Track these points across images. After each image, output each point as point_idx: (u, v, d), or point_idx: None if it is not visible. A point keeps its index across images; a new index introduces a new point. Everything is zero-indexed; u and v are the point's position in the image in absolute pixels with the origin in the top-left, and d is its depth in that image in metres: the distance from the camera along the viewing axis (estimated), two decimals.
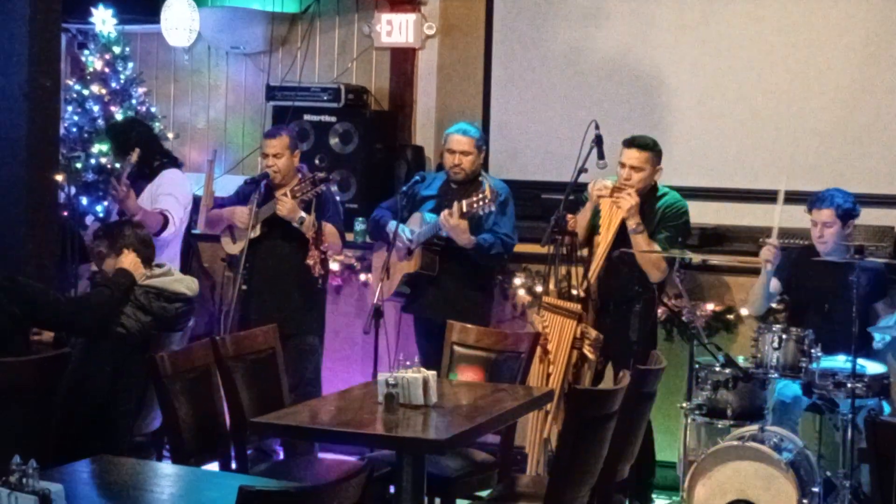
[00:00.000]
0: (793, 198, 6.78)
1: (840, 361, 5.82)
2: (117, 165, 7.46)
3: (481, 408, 4.82)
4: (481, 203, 6.20)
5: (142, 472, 4.17)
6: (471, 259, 6.47)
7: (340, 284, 7.50)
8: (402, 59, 8.19)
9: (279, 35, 8.48)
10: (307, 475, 5.24)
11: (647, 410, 5.10)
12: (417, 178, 6.72)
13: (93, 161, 7.93)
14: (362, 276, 7.47)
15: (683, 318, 6.23)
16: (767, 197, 7.05)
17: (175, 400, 4.76)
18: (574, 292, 6.23)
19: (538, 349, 5.84)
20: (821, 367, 5.73)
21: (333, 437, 4.89)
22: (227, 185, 7.73)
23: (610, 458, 4.61)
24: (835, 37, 7.05)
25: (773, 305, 6.52)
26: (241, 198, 6.83)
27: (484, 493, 5.26)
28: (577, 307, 6.08)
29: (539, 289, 6.86)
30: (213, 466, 4.94)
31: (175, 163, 7.26)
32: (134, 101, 8.18)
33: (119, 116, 7.94)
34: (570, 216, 6.31)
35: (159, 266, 5.70)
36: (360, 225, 7.48)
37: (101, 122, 8.00)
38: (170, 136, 8.39)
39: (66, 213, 7.02)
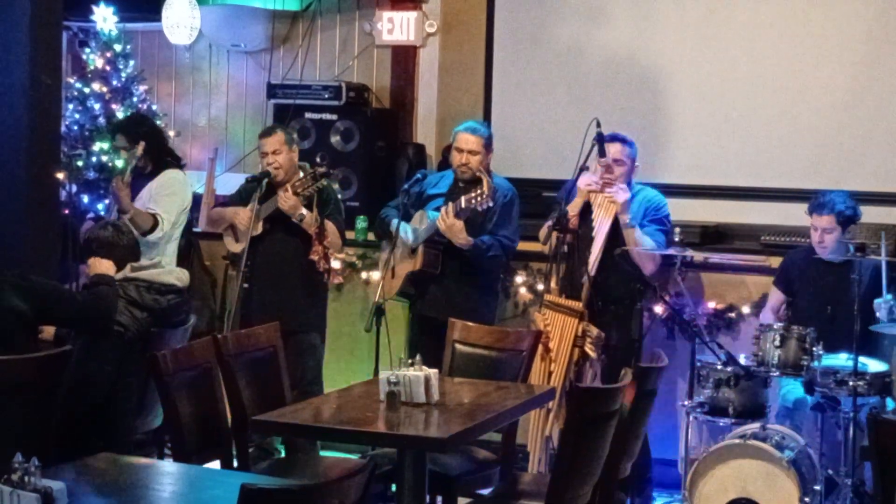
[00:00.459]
0: (793, 196, 6.81)
1: (842, 359, 5.82)
2: (118, 163, 7.46)
3: (483, 406, 4.82)
4: (479, 199, 6.18)
5: (143, 470, 4.17)
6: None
7: (342, 282, 7.50)
8: (404, 57, 8.18)
9: (280, 33, 8.48)
10: (309, 473, 5.23)
11: (649, 408, 5.10)
12: (419, 175, 6.71)
13: (94, 159, 7.93)
14: (364, 274, 7.47)
15: (685, 317, 6.22)
16: (769, 195, 7.08)
17: (176, 398, 4.75)
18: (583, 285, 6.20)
19: (540, 347, 5.83)
20: (822, 365, 5.73)
21: (335, 435, 4.89)
22: (229, 183, 7.73)
23: (611, 457, 4.61)
24: (836, 35, 7.05)
25: None
26: (242, 196, 6.82)
27: (485, 492, 5.26)
28: (578, 305, 6.08)
29: (540, 287, 6.86)
30: (215, 464, 4.94)
31: (178, 163, 7.26)
32: (135, 99, 8.19)
33: (120, 115, 7.93)
34: (571, 214, 6.29)
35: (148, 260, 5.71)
36: (361, 223, 7.48)
37: (101, 120, 8.00)
38: (171, 134, 8.38)
39: (66, 211, 7.02)
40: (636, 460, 5.25)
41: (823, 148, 7.06)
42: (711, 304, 6.76)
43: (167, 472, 4.19)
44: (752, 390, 5.92)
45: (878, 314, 5.89)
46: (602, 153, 6.23)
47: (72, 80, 8.18)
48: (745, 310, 6.73)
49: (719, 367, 5.93)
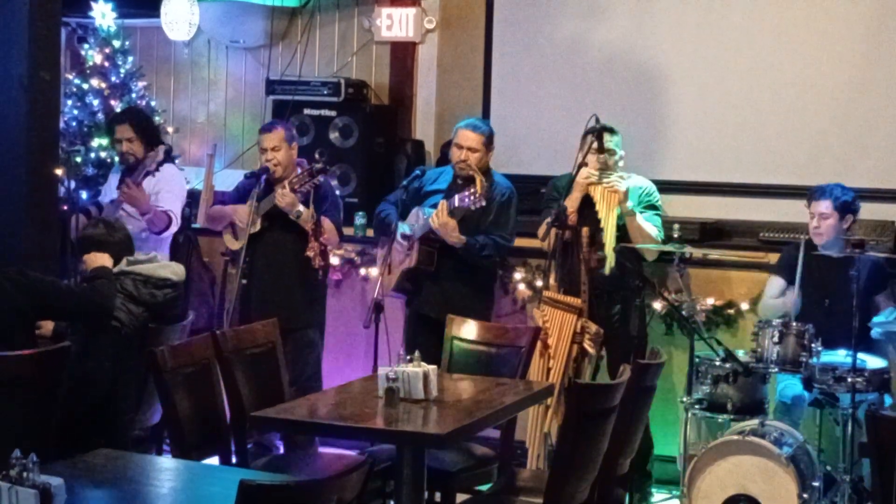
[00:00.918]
0: (792, 192, 6.80)
1: (840, 356, 5.82)
2: (115, 159, 7.46)
3: (482, 402, 4.82)
4: (472, 198, 6.17)
5: (142, 466, 4.17)
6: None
7: (341, 279, 7.50)
8: (403, 54, 8.18)
9: (279, 29, 8.47)
10: (307, 469, 5.24)
11: (648, 405, 5.10)
12: (417, 171, 6.71)
13: (92, 155, 7.93)
14: (362, 271, 7.47)
15: (683, 313, 6.23)
16: (768, 191, 7.08)
17: (175, 394, 4.75)
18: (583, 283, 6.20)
19: (538, 343, 5.83)
20: (821, 361, 5.73)
21: (334, 432, 4.88)
22: (227, 179, 7.73)
23: (610, 453, 4.61)
24: (836, 31, 7.04)
25: None
26: (240, 192, 6.83)
27: (484, 488, 5.27)
28: (577, 301, 6.08)
29: (539, 283, 6.86)
30: (214, 460, 4.94)
31: (171, 158, 7.27)
32: (134, 95, 8.18)
33: (119, 111, 7.92)
34: (570, 210, 6.29)
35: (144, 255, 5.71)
36: (360, 219, 7.48)
37: (100, 116, 7.99)
38: (170, 130, 8.39)
39: (65, 207, 7.02)
40: (638, 456, 5.27)
41: (822, 144, 7.06)
42: (710, 301, 6.76)
43: (166, 468, 4.19)
44: (750, 387, 5.92)
45: (872, 332, 5.92)
46: (601, 149, 6.23)
47: (70, 76, 8.18)
48: (744, 306, 6.73)
49: (718, 363, 5.93)
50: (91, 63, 8.17)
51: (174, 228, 6.96)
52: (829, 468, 5.89)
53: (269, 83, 8.17)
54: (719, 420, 5.97)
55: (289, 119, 7.65)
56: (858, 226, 6.38)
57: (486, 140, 6.55)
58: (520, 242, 6.82)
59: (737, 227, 7.14)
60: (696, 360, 6.03)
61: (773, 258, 6.52)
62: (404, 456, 4.53)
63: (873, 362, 5.82)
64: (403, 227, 6.50)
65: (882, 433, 4.07)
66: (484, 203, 6.23)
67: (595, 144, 6.19)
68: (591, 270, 6.19)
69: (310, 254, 6.36)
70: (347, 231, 7.20)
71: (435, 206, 6.40)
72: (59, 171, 6.56)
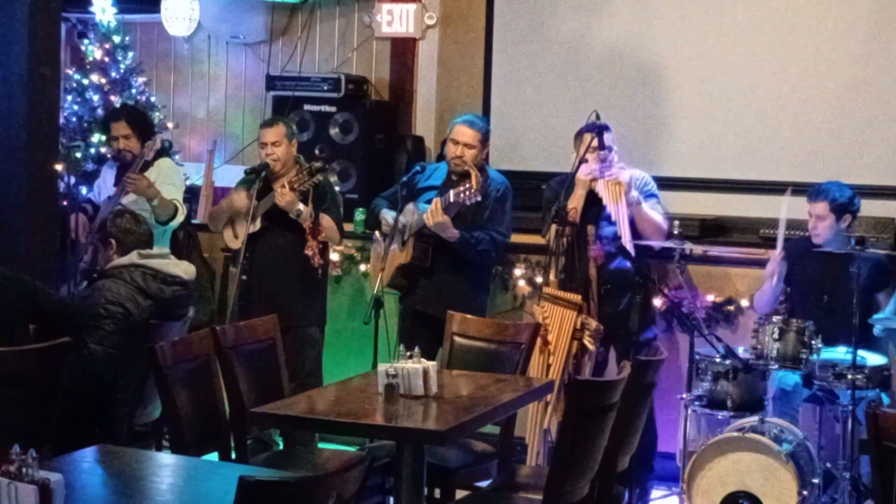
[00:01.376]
0: (794, 189, 6.78)
1: (840, 353, 5.82)
2: (103, 149, 7.45)
3: (481, 398, 4.82)
4: (467, 194, 6.15)
5: (141, 462, 4.17)
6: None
7: (340, 275, 7.50)
8: (403, 49, 8.17)
9: (279, 25, 8.47)
10: (307, 465, 5.24)
11: (648, 401, 5.10)
12: (418, 168, 6.70)
13: (92, 150, 7.93)
14: (362, 267, 7.47)
15: (683, 309, 6.22)
16: (768, 188, 7.06)
17: (175, 390, 4.75)
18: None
19: (538, 340, 5.83)
20: (821, 358, 5.73)
21: (333, 428, 4.88)
22: (227, 174, 7.74)
23: (610, 449, 4.61)
24: (837, 28, 7.03)
25: None
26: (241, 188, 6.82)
27: (484, 484, 5.26)
28: (577, 298, 6.07)
29: (539, 279, 6.86)
30: (213, 456, 4.94)
31: (164, 150, 7.28)
32: (134, 91, 8.18)
33: (113, 108, 7.91)
34: (570, 206, 6.29)
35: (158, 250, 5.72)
36: (360, 215, 7.48)
37: (100, 111, 7.99)
38: (170, 125, 8.38)
39: (65, 203, 7.02)
40: (642, 454, 5.27)
41: (823, 141, 7.06)
42: (710, 297, 6.75)
43: (165, 464, 4.19)
44: (750, 383, 5.92)
45: (874, 329, 5.92)
46: (601, 146, 6.23)
47: (70, 72, 8.18)
48: (744, 303, 6.72)
49: (718, 360, 5.93)
50: (91, 58, 8.16)
51: (180, 218, 6.95)
52: (828, 465, 5.89)
53: (269, 79, 8.16)
54: (719, 417, 5.96)
55: (289, 115, 7.65)
56: (859, 223, 6.38)
57: (483, 137, 6.54)
58: (520, 239, 6.81)
59: (737, 223, 7.13)
60: (696, 356, 6.03)
61: (773, 254, 6.51)
62: (404, 452, 4.53)
63: (873, 359, 5.82)
64: (387, 214, 6.49)
65: (882, 430, 4.06)
66: (479, 198, 6.21)
67: (595, 142, 6.19)
68: (599, 268, 6.19)
69: (308, 252, 6.36)
70: (347, 227, 7.19)
71: (430, 202, 6.38)
72: (59, 167, 6.56)
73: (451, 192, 6.20)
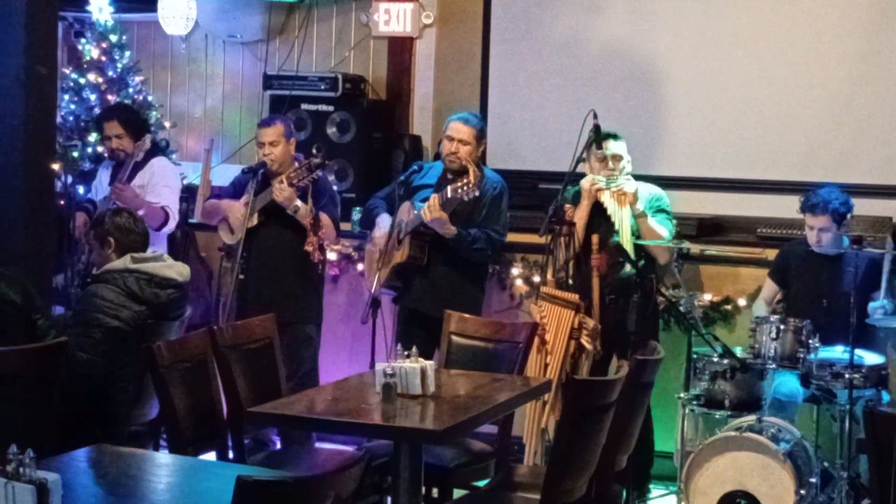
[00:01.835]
0: (790, 188, 6.80)
1: (838, 352, 5.82)
2: (100, 149, 7.44)
3: (479, 398, 4.82)
4: (465, 189, 6.15)
5: (139, 462, 4.17)
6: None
7: (338, 274, 7.50)
8: (400, 49, 8.17)
9: (276, 24, 8.46)
10: (304, 465, 5.23)
11: (645, 401, 5.10)
12: (415, 167, 6.70)
13: (89, 150, 7.92)
14: (359, 266, 7.46)
15: (681, 309, 6.22)
16: (765, 187, 7.07)
17: (172, 389, 4.75)
18: (571, 283, 6.21)
19: (536, 339, 5.83)
20: (818, 357, 5.74)
21: (331, 427, 4.88)
22: (224, 174, 7.72)
23: (607, 449, 4.61)
24: (833, 27, 7.04)
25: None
26: (237, 187, 6.82)
27: (481, 483, 5.26)
28: (574, 297, 6.07)
29: (537, 279, 6.86)
30: (210, 456, 4.94)
31: (159, 149, 7.26)
32: (131, 90, 8.17)
33: (106, 107, 7.89)
34: (567, 206, 6.30)
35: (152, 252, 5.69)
36: (357, 214, 7.47)
37: (97, 110, 7.98)
38: (167, 125, 8.38)
39: (62, 202, 7.01)
40: (639, 453, 5.26)
41: (820, 140, 7.06)
42: (708, 297, 6.75)
43: (163, 464, 4.19)
44: (748, 383, 5.92)
45: (873, 316, 5.91)
46: (599, 145, 6.23)
47: (67, 71, 8.17)
48: (742, 302, 6.73)
49: (715, 359, 5.93)
50: (88, 58, 8.16)
51: (172, 224, 6.94)
52: (826, 464, 5.89)
53: (266, 78, 8.16)
54: (717, 416, 5.97)
55: (286, 114, 7.64)
56: (856, 222, 6.38)
57: (478, 133, 6.53)
58: (517, 238, 6.81)
59: (734, 222, 7.13)
60: (694, 356, 6.03)
61: (770, 254, 6.52)
62: (401, 452, 4.53)
63: (871, 358, 5.82)
64: (383, 221, 6.49)
65: (880, 429, 4.07)
66: (477, 193, 6.19)
67: (592, 137, 6.21)
68: (603, 277, 6.19)
69: (308, 248, 6.35)
70: (345, 226, 7.19)
71: (425, 200, 6.37)
72: (55, 166, 6.55)
73: (449, 188, 6.20)
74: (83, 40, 8.24)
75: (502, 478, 5.17)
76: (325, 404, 4.83)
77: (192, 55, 8.81)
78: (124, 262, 5.45)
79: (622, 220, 6.21)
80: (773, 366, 5.86)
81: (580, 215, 6.33)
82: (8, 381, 4.45)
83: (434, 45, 8.09)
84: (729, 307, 6.76)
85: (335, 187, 7.21)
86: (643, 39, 7.46)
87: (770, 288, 6.40)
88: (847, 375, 5.61)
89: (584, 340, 6.03)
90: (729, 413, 5.90)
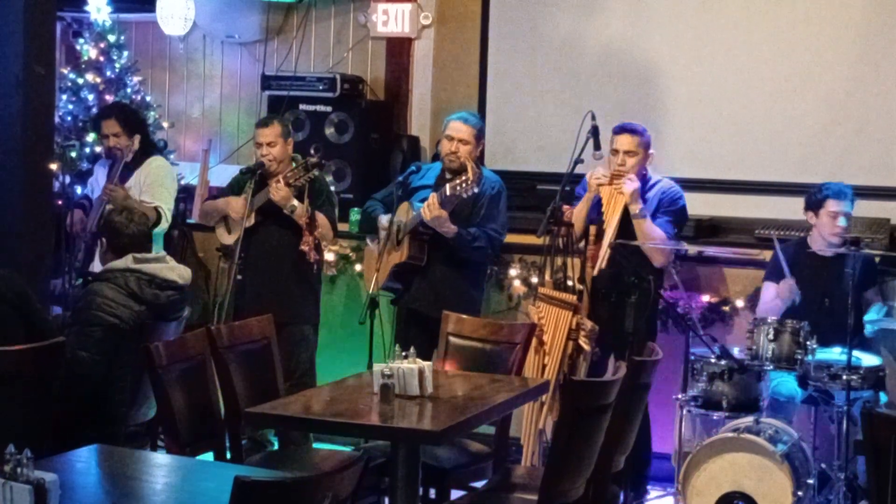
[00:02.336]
0: (788, 189, 6.81)
1: (835, 353, 5.82)
2: (98, 149, 7.44)
3: (477, 399, 4.81)
4: (464, 186, 6.14)
5: (136, 462, 4.17)
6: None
7: (335, 274, 7.50)
8: (398, 49, 8.17)
9: (275, 24, 8.47)
10: (302, 465, 5.23)
11: (643, 402, 5.10)
12: (413, 168, 6.69)
13: (87, 150, 7.92)
14: (357, 267, 7.46)
15: (679, 310, 6.22)
16: (763, 189, 7.08)
17: (170, 389, 4.74)
18: (570, 283, 6.21)
19: (534, 340, 5.83)
20: (816, 359, 5.74)
21: (328, 428, 4.88)
22: (222, 174, 7.72)
23: (605, 450, 4.61)
24: (831, 29, 7.04)
25: None
26: (234, 188, 6.82)
27: (479, 484, 5.26)
28: (572, 298, 6.07)
29: (535, 280, 6.86)
30: (208, 456, 4.93)
31: (157, 149, 7.26)
32: (129, 90, 8.17)
33: (103, 106, 7.89)
34: (566, 207, 6.30)
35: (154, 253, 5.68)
36: (355, 215, 7.47)
37: (95, 110, 7.98)
38: (165, 125, 8.38)
39: (60, 202, 7.01)
40: (636, 454, 5.26)
41: (818, 142, 7.06)
42: (705, 298, 6.75)
43: (160, 464, 4.18)
44: (745, 384, 5.91)
45: (865, 330, 5.93)
46: (597, 146, 6.23)
47: (65, 71, 8.17)
48: (739, 303, 6.73)
49: (713, 360, 5.93)
50: (86, 58, 8.16)
51: (164, 225, 6.91)
52: (823, 466, 5.89)
53: (264, 78, 8.16)
54: (714, 417, 5.96)
55: (284, 115, 7.64)
56: (854, 223, 6.39)
57: (477, 133, 6.52)
58: (515, 239, 6.81)
59: (732, 224, 7.14)
60: (692, 357, 6.03)
61: (767, 255, 6.52)
62: (399, 452, 4.53)
63: (868, 360, 5.82)
64: (384, 219, 6.49)
65: (877, 431, 4.06)
66: (476, 189, 6.18)
67: (617, 143, 6.21)
68: (595, 268, 6.19)
69: (304, 248, 6.36)
70: (342, 227, 7.19)
71: (424, 200, 6.36)
72: (53, 167, 6.55)
73: (448, 186, 6.18)
74: (81, 40, 8.24)
75: (500, 479, 5.16)
76: (323, 405, 4.82)
77: (191, 55, 8.81)
78: (126, 261, 5.46)
79: (611, 217, 6.18)
80: (771, 367, 5.86)
81: (579, 206, 6.33)
82: (6, 381, 4.45)
83: (432, 46, 8.09)
84: (727, 308, 6.76)
85: (333, 188, 7.21)
86: (641, 40, 7.46)
87: (769, 291, 6.38)
88: (844, 377, 5.61)
89: (582, 341, 6.03)
90: (727, 414, 5.89)
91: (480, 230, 6.39)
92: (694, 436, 6.10)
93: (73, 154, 7.65)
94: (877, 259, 6.28)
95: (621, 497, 5.16)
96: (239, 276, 6.49)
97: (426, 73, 8.10)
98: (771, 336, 5.84)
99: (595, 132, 6.23)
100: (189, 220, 7.67)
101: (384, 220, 6.51)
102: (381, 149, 7.92)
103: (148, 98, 8.33)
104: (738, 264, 6.74)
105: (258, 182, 6.53)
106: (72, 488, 3.52)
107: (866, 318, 6.00)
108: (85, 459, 3.97)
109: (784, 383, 6.11)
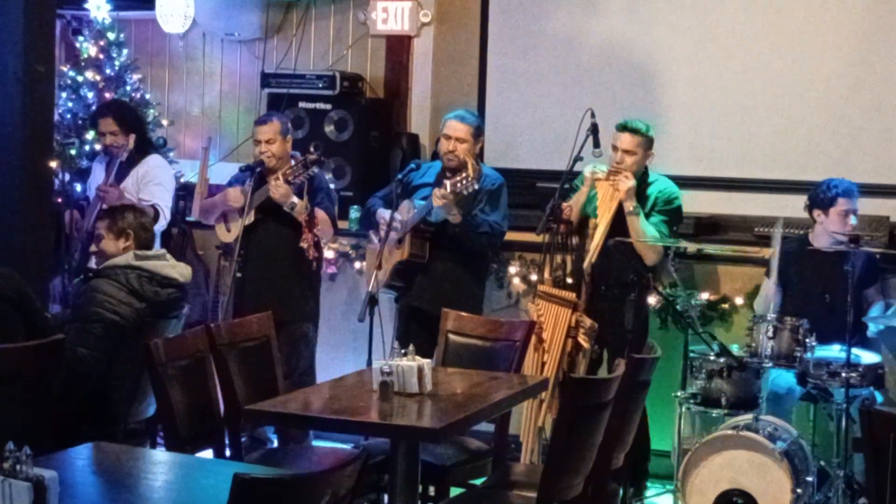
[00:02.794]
0: (787, 187, 6.81)
1: (834, 351, 5.82)
2: (97, 146, 7.44)
3: (476, 396, 4.82)
4: (464, 182, 6.14)
5: (136, 459, 4.17)
6: (461, 246, 6.44)
7: (335, 272, 7.50)
8: (398, 47, 8.17)
9: (274, 22, 8.46)
10: (301, 463, 5.23)
11: (642, 399, 5.10)
12: (413, 165, 6.70)
13: (87, 148, 7.92)
14: (357, 265, 7.46)
15: (678, 307, 6.22)
16: (762, 186, 7.08)
17: (169, 387, 4.74)
18: (569, 280, 6.22)
19: (533, 338, 5.83)
20: (815, 356, 5.74)
21: (328, 425, 4.88)
22: (222, 172, 7.72)
23: (604, 447, 4.61)
24: (831, 26, 7.04)
25: None
26: (234, 186, 6.81)
27: (478, 482, 5.26)
28: (571, 296, 6.07)
29: (534, 277, 6.86)
30: (207, 454, 4.94)
31: (154, 147, 7.25)
32: (128, 88, 8.17)
33: (101, 104, 7.89)
34: (565, 204, 6.30)
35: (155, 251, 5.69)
36: (354, 213, 7.47)
37: (95, 108, 7.98)
38: (164, 123, 8.38)
39: (59, 200, 7.00)
40: (635, 451, 5.26)
41: (817, 139, 7.06)
42: (705, 295, 6.75)
43: (160, 462, 4.18)
44: (744, 381, 5.92)
45: (869, 329, 5.93)
46: (596, 144, 6.23)
47: (65, 69, 8.17)
48: (739, 301, 6.73)
49: (712, 357, 5.94)
50: (86, 55, 8.15)
51: (163, 223, 6.91)
52: (822, 463, 5.90)
53: (264, 76, 8.16)
54: (713, 415, 5.97)
55: (284, 112, 7.64)
56: None
57: (475, 131, 6.53)
58: (514, 236, 6.81)
59: (731, 221, 7.14)
60: (691, 354, 6.03)
61: (767, 253, 6.52)
62: (398, 450, 4.53)
63: (867, 357, 5.83)
64: (384, 213, 6.49)
65: (876, 428, 4.06)
66: (477, 186, 6.18)
67: (618, 141, 6.21)
68: (586, 261, 6.19)
69: (304, 245, 6.36)
70: (342, 224, 7.19)
71: (425, 199, 6.37)
72: (53, 164, 6.55)
73: (448, 183, 6.19)
74: (81, 38, 8.24)
75: (499, 476, 5.17)
76: (323, 402, 4.82)
77: (190, 53, 8.81)
78: (127, 258, 5.47)
79: (603, 212, 6.18)
80: (770, 364, 5.86)
81: (577, 199, 6.33)
82: (6, 379, 4.44)
83: (432, 44, 8.09)
84: (726, 306, 6.76)
85: (332, 185, 7.21)
86: (641, 38, 7.46)
87: (770, 288, 6.38)
88: (843, 374, 5.61)
89: (582, 339, 6.04)
90: (726, 411, 5.90)
91: (483, 218, 6.40)
92: (693, 433, 6.11)
93: (73, 152, 7.65)
94: (877, 256, 6.29)
95: (620, 494, 5.16)
96: (238, 274, 6.49)
97: (426, 71, 8.10)
98: (770, 333, 5.84)
99: (594, 130, 6.23)
100: (189, 218, 7.67)
101: (385, 213, 6.51)
102: (380, 146, 7.92)
103: (147, 96, 8.33)
104: (738, 262, 6.75)
105: (258, 180, 6.53)
106: (71, 485, 3.52)
107: (869, 315, 6.00)
108: (84, 457, 3.97)
109: (782, 375, 6.10)
